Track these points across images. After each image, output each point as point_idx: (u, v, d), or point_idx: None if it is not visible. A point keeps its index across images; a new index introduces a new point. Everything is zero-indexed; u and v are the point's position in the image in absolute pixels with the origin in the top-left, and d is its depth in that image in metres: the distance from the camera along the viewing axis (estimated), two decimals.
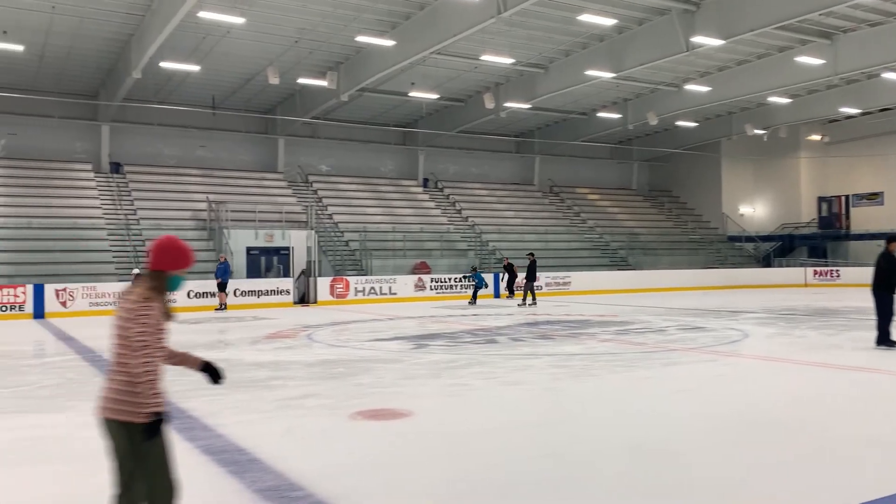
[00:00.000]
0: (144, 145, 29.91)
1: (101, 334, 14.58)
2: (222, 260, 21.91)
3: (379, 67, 23.61)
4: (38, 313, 19.87)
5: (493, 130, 35.12)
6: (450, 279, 26.89)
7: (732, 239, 38.26)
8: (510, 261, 26.35)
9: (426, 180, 35.85)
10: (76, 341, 13.37)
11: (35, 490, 4.59)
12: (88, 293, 20.71)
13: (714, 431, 5.89)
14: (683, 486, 4.52)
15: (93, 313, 20.17)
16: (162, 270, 3.29)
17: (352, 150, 34.46)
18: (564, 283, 28.55)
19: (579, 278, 28.95)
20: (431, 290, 26.22)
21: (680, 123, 34.18)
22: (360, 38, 21.64)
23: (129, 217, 26.40)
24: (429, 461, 5.19)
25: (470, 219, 33.49)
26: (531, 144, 38.04)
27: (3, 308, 19.51)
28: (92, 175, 27.98)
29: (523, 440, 5.73)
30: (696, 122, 34.57)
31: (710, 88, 27.54)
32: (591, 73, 24.22)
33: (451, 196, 35.29)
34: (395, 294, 25.26)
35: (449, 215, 33.62)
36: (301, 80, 25.92)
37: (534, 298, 22.41)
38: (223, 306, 21.57)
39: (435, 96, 29.13)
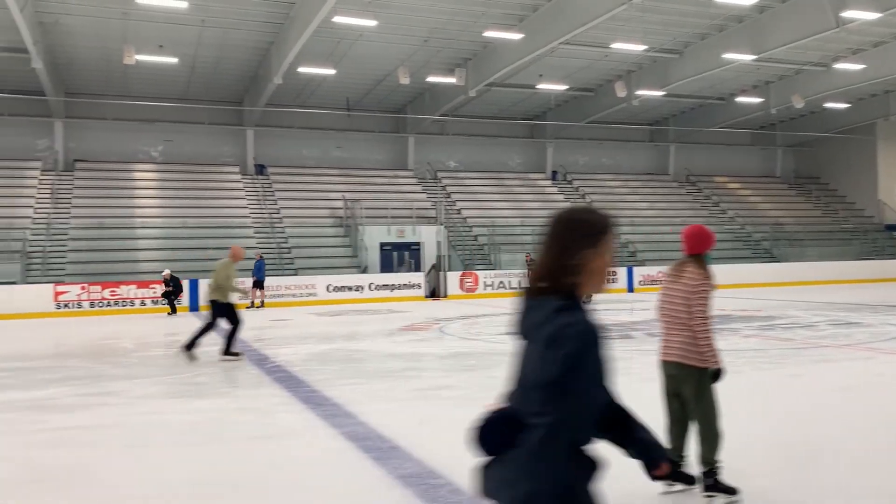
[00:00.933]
0: (286, 148, 31.48)
1: (250, 325, 15.52)
2: (258, 258, 22.01)
3: (507, 61, 23.59)
4: (194, 306, 21.41)
5: (624, 120, 34.21)
6: None
7: (890, 228, 35.24)
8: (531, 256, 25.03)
9: (555, 173, 35.48)
10: None
11: (198, 469, 4.94)
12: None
13: (880, 431, 5.47)
14: (842, 490, 4.23)
15: (242, 306, 21.43)
16: (700, 253, 4.34)
17: (479, 145, 34.67)
18: None
19: (719, 271, 27.57)
20: None
21: (829, 105, 31.85)
22: (488, 34, 21.71)
23: (273, 215, 27.89)
24: None
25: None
26: (665, 133, 36.76)
27: (162, 302, 21.15)
28: (239, 177, 29.79)
29: (664, 437, 5.56)
30: (848, 103, 32.10)
31: (863, 66, 25.47)
32: (729, 56, 23.07)
33: (580, 188, 34.74)
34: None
35: None
36: (430, 79, 26.37)
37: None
38: (259, 304, 21.57)
39: (563, 87, 28.78)
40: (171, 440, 5.77)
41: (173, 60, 23.75)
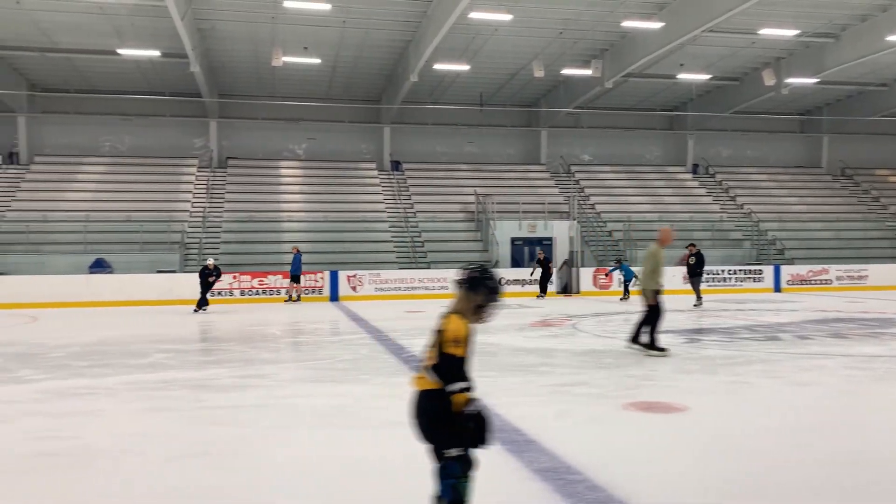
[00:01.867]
0: (420, 144, 32.14)
1: (386, 316, 16.03)
2: (295, 251, 22.02)
3: (645, 51, 22.90)
4: (334, 296, 22.34)
5: (772, 109, 32.33)
6: (723, 271, 25.32)
7: None
8: (545, 255, 23.44)
9: (695, 166, 34.08)
10: (365, 322, 14.81)
11: (344, 450, 5.17)
12: (374, 279, 22.81)
13: None
14: None
15: (378, 297, 22.20)
16: None
17: (615, 138, 33.88)
18: (860, 277, 25.49)
19: (878, 272, 25.63)
20: (702, 282, 24.84)
21: None
22: (626, 23, 21.18)
23: (407, 210, 28.58)
24: (705, 457, 4.95)
25: (745, 206, 31.21)
26: (818, 123, 34.40)
27: (306, 291, 22.22)
28: (376, 173, 30.74)
29: (813, 443, 5.23)
30: None
31: None
32: (894, 38, 21.23)
33: (723, 182, 33.18)
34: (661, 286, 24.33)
35: (721, 203, 31.65)
36: (565, 71, 26.05)
37: (699, 298, 18.95)
38: (296, 298, 21.76)
39: (706, 77, 27.59)
40: (317, 421, 6.06)
41: (316, 61, 24.84)
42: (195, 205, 27.30)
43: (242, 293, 21.98)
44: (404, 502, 4.06)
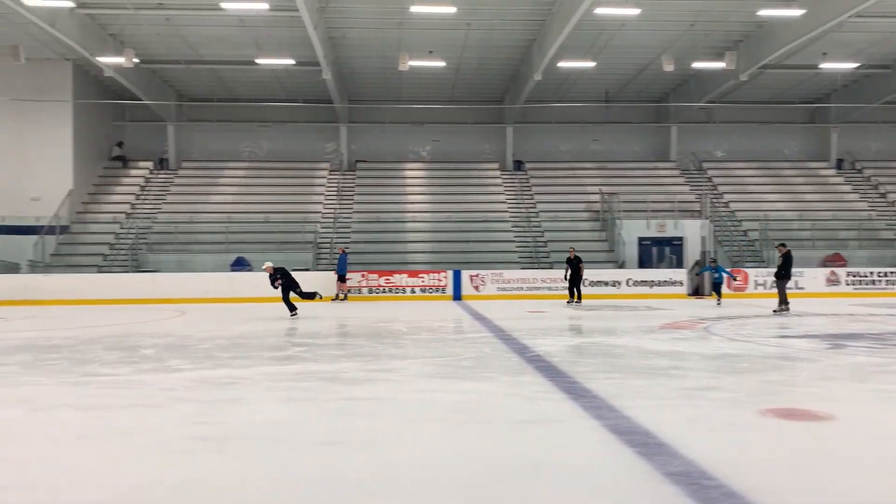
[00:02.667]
0: (543, 143, 31.95)
1: (508, 315, 16.05)
2: (341, 252, 22.17)
3: (784, 41, 21.68)
4: (457, 295, 22.61)
5: None
6: (871, 273, 23.55)
7: None
8: (576, 254, 20.97)
9: (840, 161, 31.89)
10: (488, 321, 14.88)
11: (470, 448, 5.23)
12: (496, 279, 22.88)
13: None
14: None
15: (500, 297, 22.25)
16: None
17: (749, 132, 32.28)
18: None
19: None
20: (847, 284, 23.27)
21: None
22: (763, 12, 20.13)
23: (530, 210, 28.46)
24: (855, 468, 4.62)
25: None
26: None
27: (430, 290, 22.63)
28: (498, 173, 30.83)
29: None
30: None
31: None
32: None
33: (872, 178, 30.85)
34: (801, 288, 22.97)
35: (869, 200, 29.44)
36: (696, 65, 25.12)
37: (785, 303, 17.11)
38: (342, 297, 21.88)
39: (852, 65, 25.78)
40: (443, 416, 6.16)
41: (441, 64, 25.23)
42: (327, 206, 28.45)
43: (370, 290, 22.66)
44: (533, 500, 4.06)
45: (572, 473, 4.50)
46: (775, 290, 17.49)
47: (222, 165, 30.79)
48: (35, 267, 24.21)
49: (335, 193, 29.39)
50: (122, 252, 25.09)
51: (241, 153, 31.62)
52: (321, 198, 28.91)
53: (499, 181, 30.37)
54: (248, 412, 6.43)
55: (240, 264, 23.95)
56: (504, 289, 22.74)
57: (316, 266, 24.41)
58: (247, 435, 5.55)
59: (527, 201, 29.16)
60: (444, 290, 22.74)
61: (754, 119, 32.01)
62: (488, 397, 7.01)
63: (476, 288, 22.76)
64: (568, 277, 20.60)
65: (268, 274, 16.54)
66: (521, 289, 22.74)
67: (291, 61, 24.93)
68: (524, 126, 31.62)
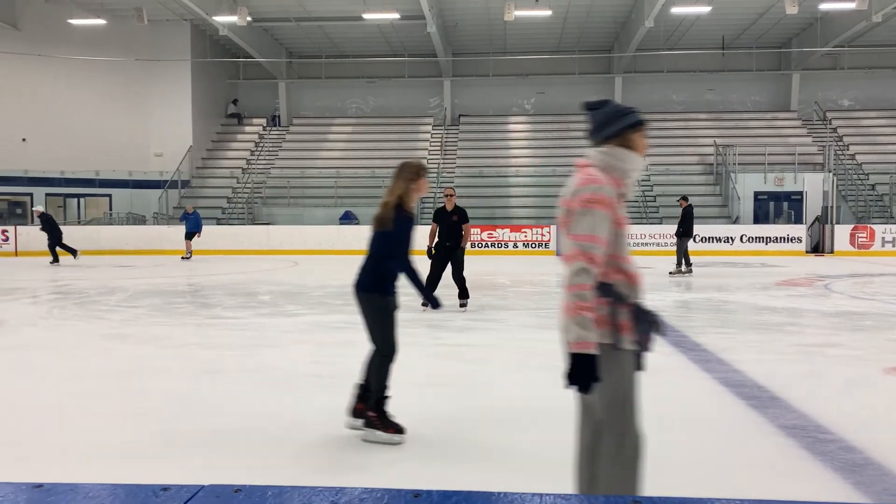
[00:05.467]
0: (654, 93, 30.79)
1: None
2: (191, 210, 20.75)
3: None
4: (559, 251, 22.37)
5: None
6: None
7: None
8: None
9: None
10: None
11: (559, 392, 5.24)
12: None
13: None
14: None
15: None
16: None
17: (882, 79, 29.91)
18: None
19: None
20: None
21: None
22: None
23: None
24: None
25: None
26: None
27: (533, 245, 22.52)
28: None
29: None
30: None
31: None
32: None
33: None
34: None
35: None
36: (823, 6, 23.39)
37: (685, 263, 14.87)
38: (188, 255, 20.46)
39: None
40: (544, 364, 6.19)
41: (547, 13, 24.62)
42: (430, 161, 28.66)
43: (472, 245, 22.80)
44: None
45: (678, 420, 4.44)
46: None
47: (330, 121, 31.49)
48: (159, 219, 25.78)
49: (438, 148, 29.53)
50: (239, 205, 26.28)
51: (348, 109, 32.20)
52: (425, 152, 29.13)
53: None
54: (358, 354, 6.68)
55: (347, 218, 24.61)
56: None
57: (420, 220, 24.74)
58: (356, 374, 5.78)
59: None
60: (547, 245, 22.57)
61: (888, 65, 29.58)
62: None
63: None
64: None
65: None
66: (629, 245, 22.25)
67: (396, 15, 24.99)
68: (633, 76, 30.54)
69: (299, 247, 22.51)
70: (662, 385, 5.44)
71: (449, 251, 9.24)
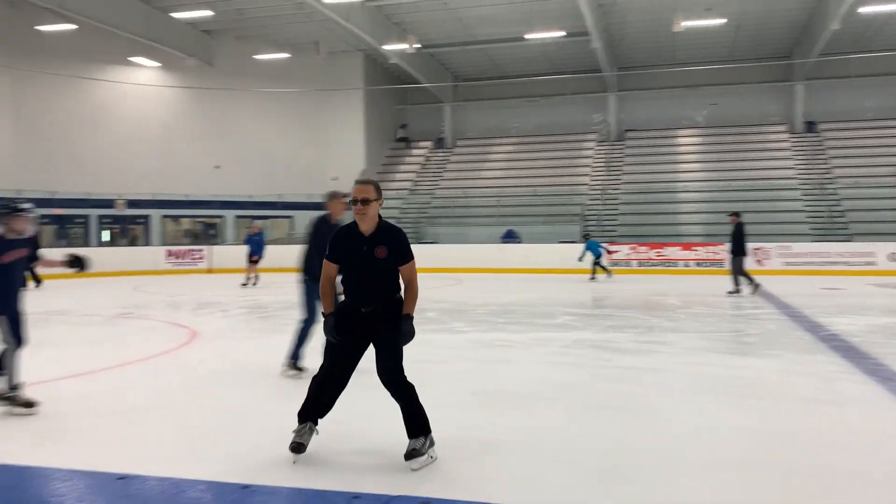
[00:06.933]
0: (840, 100, 28.46)
1: (797, 292, 14.64)
2: (256, 231, 18.50)
3: None
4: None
5: None
6: None
7: None
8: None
9: None
10: (773, 297, 13.71)
11: (755, 422, 4.90)
12: (782, 252, 20.99)
13: None
14: None
15: (786, 272, 20.37)
16: None
17: None
18: None
19: None
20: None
21: None
22: None
23: (824, 175, 25.61)
24: None
25: None
26: None
27: (705, 264, 21.43)
28: (786, 136, 28.15)
29: None
30: None
31: None
32: None
33: None
34: None
35: None
36: None
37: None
38: (253, 281, 18.08)
39: None
40: (720, 390, 5.84)
41: (720, 21, 23.54)
42: (594, 178, 28.20)
43: (640, 264, 22.09)
44: (821, 477, 3.69)
45: (869, 451, 4.00)
46: None
47: (493, 141, 31.91)
48: None
49: (603, 164, 28.99)
50: (406, 224, 27.23)
51: (510, 129, 32.48)
52: (588, 169, 28.71)
53: (786, 144, 27.66)
54: (520, 372, 6.66)
55: (510, 236, 24.74)
56: (792, 263, 20.74)
57: (583, 239, 24.34)
58: (517, 393, 5.75)
59: (820, 166, 26.21)
60: (720, 265, 21.36)
61: None
62: (771, 374, 6.50)
63: (758, 262, 21.01)
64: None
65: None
66: (813, 264, 20.55)
67: (561, 33, 24.93)
68: (817, 82, 28.35)
69: (461, 264, 22.91)
70: (856, 416, 4.95)
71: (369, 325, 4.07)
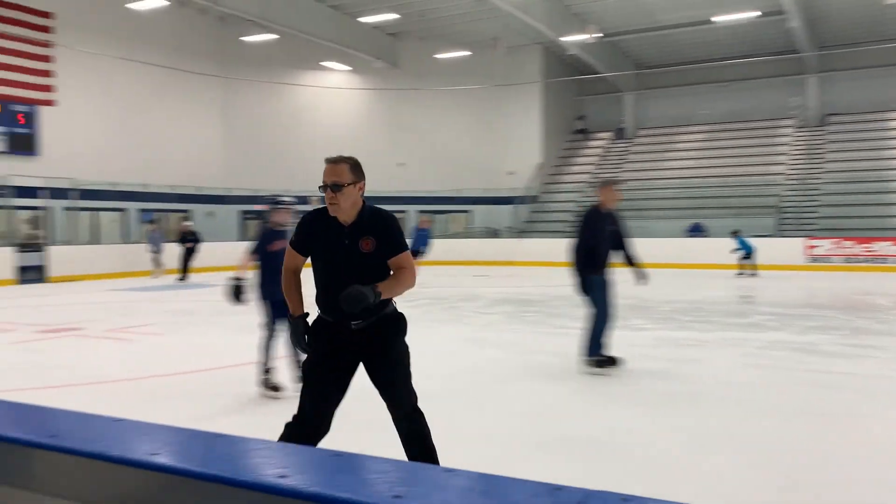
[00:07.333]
0: None
1: None
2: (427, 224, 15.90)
3: None
4: None
5: None
6: None
7: None
8: None
9: None
10: None
11: None
12: None
13: None
14: None
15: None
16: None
17: None
18: None
19: None
20: None
21: None
22: None
23: None
24: None
25: None
26: None
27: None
28: None
29: None
30: None
31: None
32: None
33: None
34: None
35: None
36: None
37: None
38: None
39: None
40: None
41: None
42: (791, 167, 26.15)
43: (847, 260, 20.20)
44: None
45: None
46: None
47: (677, 130, 30.53)
48: (512, 232, 27.49)
49: (801, 152, 26.76)
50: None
51: (696, 117, 30.88)
52: (784, 157, 26.63)
53: None
54: (712, 373, 6.35)
55: (696, 230, 23.58)
56: None
57: (779, 232, 22.68)
58: (710, 395, 5.48)
59: None
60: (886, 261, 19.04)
61: None
62: None
63: None
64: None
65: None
66: None
67: (755, 13, 23.31)
68: None
69: (645, 260, 22.12)
70: None
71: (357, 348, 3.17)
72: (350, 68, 28.98)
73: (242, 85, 27.58)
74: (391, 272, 3.09)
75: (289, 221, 5.62)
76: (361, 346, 3.06)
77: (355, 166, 3.10)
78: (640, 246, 22.65)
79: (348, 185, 3.02)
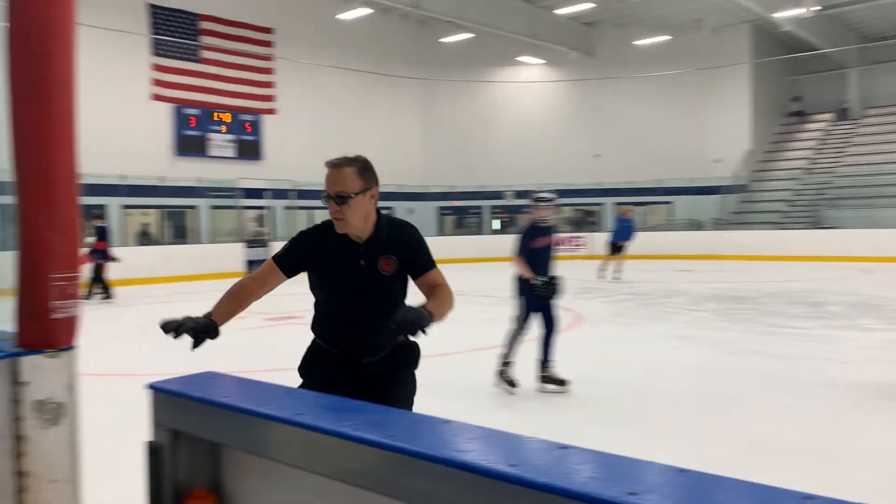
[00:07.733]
0: None
1: None
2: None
3: None
4: None
5: None
6: None
7: None
8: None
9: None
10: None
11: None
12: None
13: None
14: None
15: None
16: None
17: None
18: None
19: None
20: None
21: None
22: None
23: None
24: None
25: None
26: None
27: None
28: None
29: None
30: None
31: None
32: None
33: None
34: None
35: None
36: None
37: None
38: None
39: None
40: None
41: None
42: None
43: None
44: None
45: None
46: None
47: None
48: (718, 224, 25.95)
49: None
50: (800, 208, 24.69)
51: None
52: None
53: None
54: None
55: None
56: None
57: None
58: None
59: None
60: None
61: None
62: None
63: None
64: None
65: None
66: None
67: None
68: None
69: (872, 253, 19.97)
70: None
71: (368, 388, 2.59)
72: (544, 61, 28.93)
73: (440, 85, 28.55)
74: (419, 292, 2.52)
75: (550, 218, 5.62)
76: (365, 379, 2.53)
77: (364, 170, 2.50)
78: (868, 238, 20.65)
79: (356, 194, 2.45)
